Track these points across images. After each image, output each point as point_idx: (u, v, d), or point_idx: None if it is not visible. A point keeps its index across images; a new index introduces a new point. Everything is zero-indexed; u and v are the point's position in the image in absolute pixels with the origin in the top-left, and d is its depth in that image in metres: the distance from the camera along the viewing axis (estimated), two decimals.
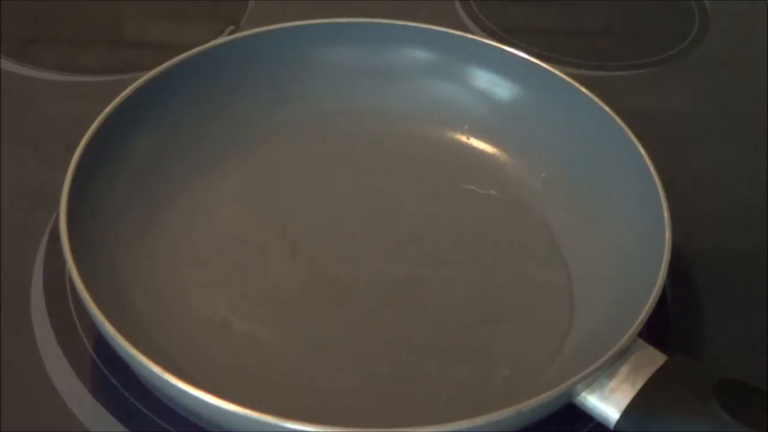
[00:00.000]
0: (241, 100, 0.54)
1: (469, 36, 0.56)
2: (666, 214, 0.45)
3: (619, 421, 0.39)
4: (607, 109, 0.51)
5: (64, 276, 0.47)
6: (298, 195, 0.52)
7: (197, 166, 0.52)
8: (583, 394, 0.40)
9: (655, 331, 0.45)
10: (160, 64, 0.51)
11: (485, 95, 0.56)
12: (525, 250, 0.50)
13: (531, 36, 0.66)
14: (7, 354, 0.45)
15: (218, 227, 0.50)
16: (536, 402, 0.38)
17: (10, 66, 0.61)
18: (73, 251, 0.41)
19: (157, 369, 0.38)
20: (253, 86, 0.55)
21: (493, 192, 0.53)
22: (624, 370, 0.40)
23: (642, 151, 0.48)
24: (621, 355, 0.40)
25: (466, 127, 0.56)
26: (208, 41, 0.55)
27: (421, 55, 0.56)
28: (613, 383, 0.40)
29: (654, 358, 0.40)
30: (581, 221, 0.50)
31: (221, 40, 0.55)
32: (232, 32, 0.65)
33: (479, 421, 0.37)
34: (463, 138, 0.56)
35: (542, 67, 0.54)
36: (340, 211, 0.51)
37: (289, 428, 0.36)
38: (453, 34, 0.55)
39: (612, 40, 0.70)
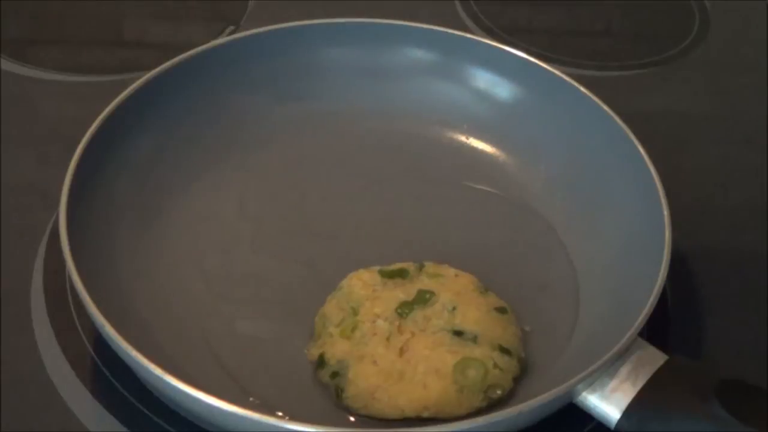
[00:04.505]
0: (241, 100, 0.54)
1: (469, 36, 0.56)
2: (666, 213, 0.45)
3: (619, 420, 0.39)
4: (607, 109, 0.51)
5: (64, 276, 0.47)
6: (298, 195, 0.52)
7: (197, 167, 0.52)
8: (584, 393, 0.40)
9: (655, 331, 0.45)
10: (160, 64, 0.51)
11: (485, 95, 0.56)
12: (530, 248, 0.50)
13: (531, 36, 0.66)
14: (7, 354, 0.45)
15: (218, 227, 0.50)
16: (537, 402, 0.38)
17: (10, 66, 0.61)
18: (73, 251, 0.41)
19: (156, 370, 0.38)
20: (253, 86, 0.55)
21: (493, 191, 0.53)
22: (624, 369, 0.40)
23: (642, 151, 0.48)
24: (621, 355, 0.40)
25: (466, 126, 0.56)
26: (208, 41, 0.55)
27: (421, 55, 0.56)
28: (613, 383, 0.40)
29: (654, 358, 0.40)
30: (581, 221, 0.50)
31: (221, 40, 0.55)
32: (232, 32, 0.65)
33: (480, 421, 0.37)
34: (463, 138, 0.56)
35: (542, 67, 0.54)
36: (340, 212, 0.51)
37: (289, 429, 0.36)
38: (453, 34, 0.55)
39: (612, 40, 0.70)
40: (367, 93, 0.56)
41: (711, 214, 0.55)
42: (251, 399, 0.42)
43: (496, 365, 0.42)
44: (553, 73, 0.53)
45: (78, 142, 0.46)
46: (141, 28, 0.67)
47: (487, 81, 0.56)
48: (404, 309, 0.44)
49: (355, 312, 0.44)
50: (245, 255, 0.49)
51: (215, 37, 0.62)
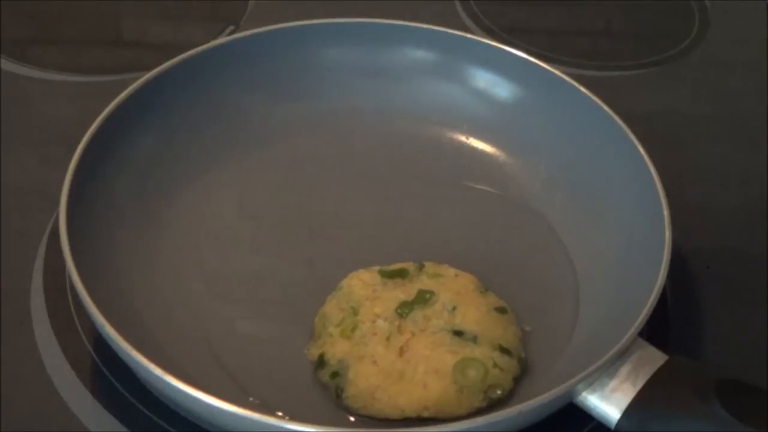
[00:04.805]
0: (241, 100, 0.54)
1: (469, 36, 0.56)
2: (666, 213, 0.45)
3: (619, 420, 0.39)
4: (607, 109, 0.51)
5: (64, 276, 0.47)
6: (298, 195, 0.52)
7: (197, 166, 0.52)
8: (584, 393, 0.40)
9: (655, 331, 0.45)
10: (160, 64, 0.51)
11: (485, 95, 0.56)
12: (530, 248, 0.50)
13: (531, 36, 0.66)
14: (7, 354, 0.45)
15: (218, 227, 0.50)
16: (537, 402, 0.38)
17: (10, 66, 0.61)
18: (73, 251, 0.41)
19: (156, 370, 0.38)
20: (253, 86, 0.55)
21: (493, 191, 0.53)
22: (624, 369, 0.40)
23: (642, 151, 0.48)
24: (621, 355, 0.40)
25: (466, 126, 0.56)
26: (208, 41, 0.55)
27: (421, 55, 0.56)
28: (613, 383, 0.40)
29: (654, 358, 0.40)
30: (581, 221, 0.50)
31: (221, 40, 0.55)
32: (232, 32, 0.65)
33: (480, 421, 0.37)
34: (463, 138, 0.56)
35: (542, 67, 0.54)
36: (340, 212, 0.51)
37: (289, 429, 0.36)
38: (453, 34, 0.55)
39: (612, 40, 0.70)
40: (367, 93, 0.56)
41: (711, 214, 0.55)
42: (251, 399, 0.42)
43: (496, 365, 0.42)
44: (553, 73, 0.53)
45: (78, 142, 0.46)
46: (141, 28, 0.67)
47: (487, 81, 0.56)
48: (404, 309, 0.44)
49: (355, 312, 0.44)
50: (245, 255, 0.49)
51: (215, 37, 0.62)
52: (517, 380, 0.43)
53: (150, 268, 0.47)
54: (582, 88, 0.52)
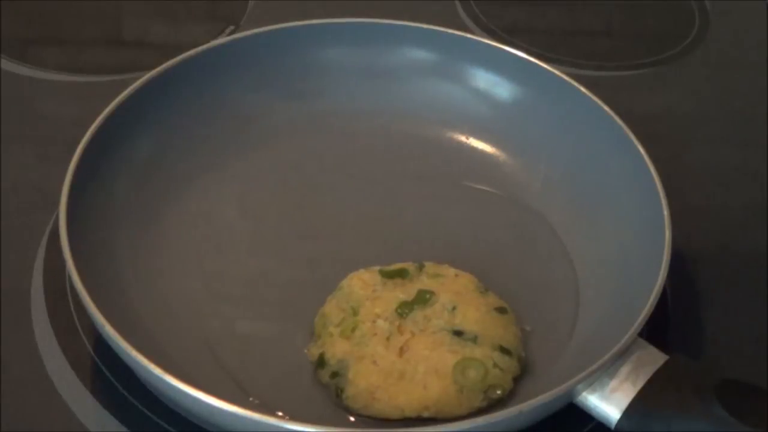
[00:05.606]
0: (241, 99, 0.54)
1: (469, 36, 0.56)
2: (666, 213, 0.45)
3: (620, 420, 0.39)
4: (607, 109, 0.51)
5: (64, 276, 0.47)
6: (298, 195, 0.52)
7: (197, 167, 0.52)
8: (584, 393, 0.40)
9: (655, 331, 0.45)
10: (160, 64, 0.51)
11: (485, 95, 0.56)
12: (530, 248, 0.50)
13: (531, 36, 0.66)
14: (7, 354, 0.45)
15: (218, 227, 0.50)
16: (537, 402, 0.38)
17: (10, 66, 0.61)
18: (73, 251, 0.41)
19: (156, 370, 0.38)
20: (253, 86, 0.55)
21: (493, 191, 0.53)
22: (625, 369, 0.40)
23: (642, 151, 0.48)
24: (621, 355, 0.40)
25: (466, 126, 0.56)
26: (208, 41, 0.55)
27: (421, 55, 0.56)
28: (613, 383, 0.40)
29: (655, 358, 0.40)
30: (581, 221, 0.50)
31: (221, 40, 0.55)
32: (232, 32, 0.65)
33: (480, 421, 0.37)
34: (463, 138, 0.56)
35: (542, 67, 0.54)
36: (341, 212, 0.51)
37: (289, 429, 0.36)
38: (453, 34, 0.55)
39: (612, 40, 0.70)
40: (367, 93, 0.56)
41: (711, 214, 0.55)
42: (251, 399, 0.42)
43: (496, 365, 0.42)
44: (553, 73, 0.53)
45: (78, 142, 0.46)
46: (141, 28, 0.67)
47: (487, 81, 0.56)
48: (404, 309, 0.44)
49: (355, 312, 0.44)
50: (245, 255, 0.49)
51: (215, 37, 0.62)
52: (517, 380, 0.43)
53: (150, 268, 0.47)
54: (582, 88, 0.52)
